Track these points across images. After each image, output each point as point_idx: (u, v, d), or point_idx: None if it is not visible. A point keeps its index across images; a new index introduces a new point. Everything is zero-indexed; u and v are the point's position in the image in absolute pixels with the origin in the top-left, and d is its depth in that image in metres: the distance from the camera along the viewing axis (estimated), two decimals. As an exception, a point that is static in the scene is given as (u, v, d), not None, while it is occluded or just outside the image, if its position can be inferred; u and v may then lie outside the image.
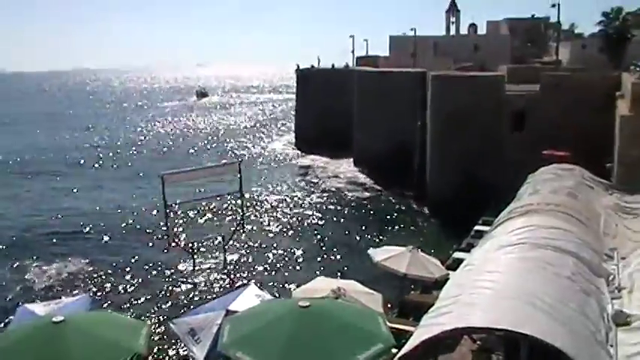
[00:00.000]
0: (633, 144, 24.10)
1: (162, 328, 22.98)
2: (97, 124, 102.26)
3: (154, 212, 38.13)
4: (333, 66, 74.33)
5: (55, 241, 35.24)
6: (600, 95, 31.84)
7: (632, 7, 66.05)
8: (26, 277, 29.57)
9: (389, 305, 19.13)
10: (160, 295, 27.10)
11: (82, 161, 63.71)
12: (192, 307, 24.89)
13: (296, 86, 75.27)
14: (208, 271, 29.88)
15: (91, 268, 30.53)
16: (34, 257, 32.06)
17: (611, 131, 27.40)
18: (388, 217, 39.21)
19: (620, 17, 57.55)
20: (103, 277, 29.40)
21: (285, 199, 45.23)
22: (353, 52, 79.52)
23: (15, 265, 31.09)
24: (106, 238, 35.58)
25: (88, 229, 37.43)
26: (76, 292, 26.52)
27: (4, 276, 29.83)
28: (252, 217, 38.75)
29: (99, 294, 27.23)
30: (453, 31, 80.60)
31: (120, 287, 28.14)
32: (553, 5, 50.04)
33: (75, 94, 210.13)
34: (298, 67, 73.82)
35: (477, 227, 27.25)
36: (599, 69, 42.58)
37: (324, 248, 33.39)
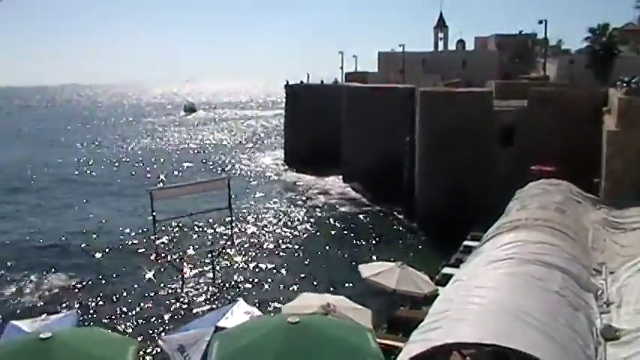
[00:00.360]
0: (620, 159, 24.27)
1: (151, 344, 22.86)
2: (84, 139, 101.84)
3: (143, 228, 37.96)
4: (322, 82, 74.48)
5: (42, 256, 34.99)
6: (587, 111, 32.06)
7: (618, 24, 66.62)
8: (13, 293, 29.36)
9: (379, 321, 19.12)
10: (149, 312, 26.95)
11: (68, 177, 63.47)
12: (181, 323, 24.81)
13: (285, 102, 75.33)
14: (197, 287, 29.77)
15: (78, 284, 30.36)
16: (21, 273, 31.84)
17: (598, 146, 27.56)
18: (377, 232, 39.21)
19: (606, 33, 58.04)
20: (91, 293, 29.22)
21: (275, 215, 45.17)
22: (342, 67, 79.86)
23: (1, 282, 30.86)
24: (94, 254, 35.37)
25: (75, 244, 37.24)
26: (64, 308, 26.39)
27: (-9, 293, 29.64)
28: (241, 233, 38.65)
29: (86, 310, 27.02)
30: (441, 47, 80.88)
31: (108, 303, 27.96)
32: (540, 22, 50.52)
33: (62, 110, 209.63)
34: (287, 82, 73.87)
35: (465, 242, 27.28)
36: (587, 85, 42.87)
37: (313, 264, 33.33)
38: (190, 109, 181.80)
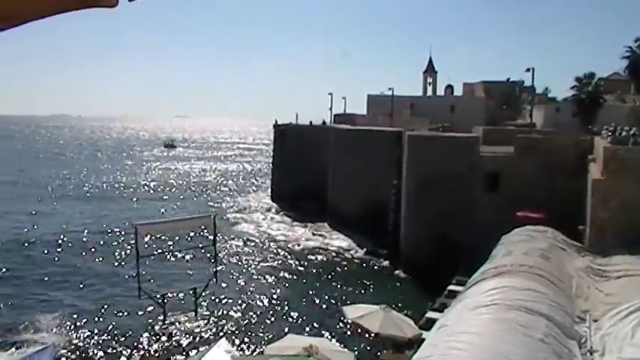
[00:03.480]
0: (604, 207, 24.40)
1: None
2: (70, 172, 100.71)
3: (126, 262, 37.68)
4: (310, 123, 74.67)
5: (20, 288, 34.61)
6: (573, 158, 32.33)
7: (604, 73, 67.64)
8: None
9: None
10: (129, 348, 26.60)
11: (50, 207, 62.90)
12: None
13: (273, 142, 75.46)
14: (179, 324, 29.45)
15: (59, 317, 29.91)
16: (1, 304, 31.47)
17: (583, 194, 27.74)
18: (362, 275, 39.01)
19: (592, 82, 58.82)
20: (69, 326, 28.82)
21: (259, 256, 44.92)
22: (331, 109, 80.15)
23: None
24: (76, 288, 35.01)
25: (57, 278, 36.85)
26: (41, 341, 26.05)
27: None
28: (225, 271, 38.37)
29: (64, 344, 26.66)
30: (429, 92, 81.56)
31: (86, 338, 27.59)
32: (528, 69, 51.01)
33: (47, 141, 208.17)
34: (276, 122, 74.10)
35: (450, 287, 27.26)
36: (573, 133, 43.28)
37: (296, 305, 33.09)
38: (170, 145, 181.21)
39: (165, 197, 75.76)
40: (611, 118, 45.33)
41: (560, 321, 13.74)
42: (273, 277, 38.81)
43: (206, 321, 30.10)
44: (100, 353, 26.13)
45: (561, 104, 68.66)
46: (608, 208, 24.31)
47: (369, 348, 21.19)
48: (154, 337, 27.86)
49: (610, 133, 29.67)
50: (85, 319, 29.93)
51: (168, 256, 37.77)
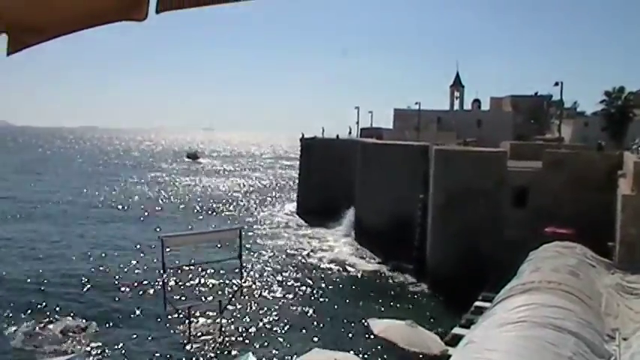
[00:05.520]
0: (635, 223, 24.08)
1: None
2: (96, 182, 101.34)
3: (152, 274, 37.88)
4: (337, 136, 74.78)
5: (49, 297, 34.87)
6: (602, 174, 32.01)
7: (634, 87, 66.99)
8: (20, 332, 29.08)
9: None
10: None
11: (77, 219, 63.38)
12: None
13: (300, 155, 75.62)
14: (204, 336, 29.49)
15: (84, 327, 30.09)
16: (30, 313, 31.78)
17: (612, 210, 27.42)
18: (387, 290, 38.86)
19: (622, 96, 58.31)
20: (96, 336, 28.97)
21: (284, 268, 44.92)
22: (358, 122, 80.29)
23: (10, 320, 30.73)
24: (102, 298, 35.25)
25: (84, 288, 37.15)
26: (68, 350, 26.26)
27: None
28: (251, 284, 38.45)
29: (91, 354, 26.82)
30: (456, 106, 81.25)
31: (113, 349, 27.68)
32: (556, 83, 50.72)
33: (74, 151, 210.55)
34: (303, 136, 74.26)
35: (477, 303, 27.01)
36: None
37: (321, 318, 33.01)
38: (193, 156, 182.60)
39: (189, 210, 75.91)
40: (640, 132, 44.86)
41: (589, 339, 13.55)
42: (298, 291, 38.78)
43: (231, 334, 30.12)
44: (126, 364, 26.26)
45: (590, 119, 68.17)
46: (639, 224, 23.99)
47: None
48: (179, 350, 27.93)
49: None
50: (112, 330, 30.16)
51: (194, 269, 37.91)
